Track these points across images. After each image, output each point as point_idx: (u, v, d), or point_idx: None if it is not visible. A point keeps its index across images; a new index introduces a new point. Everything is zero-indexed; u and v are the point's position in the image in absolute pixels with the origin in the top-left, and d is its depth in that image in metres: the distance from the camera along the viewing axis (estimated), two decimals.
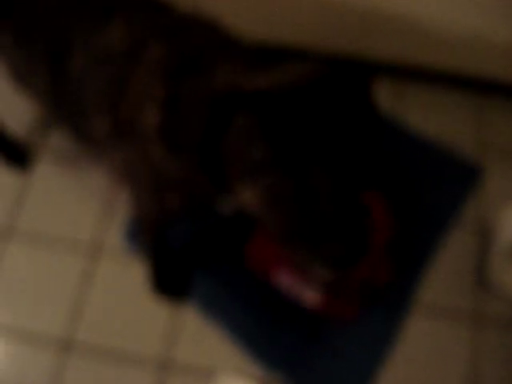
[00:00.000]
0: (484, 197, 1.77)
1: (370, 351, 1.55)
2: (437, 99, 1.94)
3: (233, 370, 1.53)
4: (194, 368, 1.54)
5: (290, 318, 1.57)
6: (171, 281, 1.60)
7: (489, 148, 1.86)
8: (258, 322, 1.56)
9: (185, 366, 1.55)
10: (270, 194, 0.85)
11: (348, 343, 1.55)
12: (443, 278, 1.66)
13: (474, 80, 1.89)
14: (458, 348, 1.59)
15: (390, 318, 1.58)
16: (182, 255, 1.66)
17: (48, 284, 1.66)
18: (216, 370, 1.52)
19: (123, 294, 1.64)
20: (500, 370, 1.57)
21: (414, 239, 1.68)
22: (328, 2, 1.70)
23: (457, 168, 1.79)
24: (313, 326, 1.56)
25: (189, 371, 1.54)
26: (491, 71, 1.84)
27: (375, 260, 1.48)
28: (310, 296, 1.52)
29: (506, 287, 1.60)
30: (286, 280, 1.54)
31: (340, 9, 1.71)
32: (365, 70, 0.99)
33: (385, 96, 1.94)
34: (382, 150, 1.79)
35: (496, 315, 1.62)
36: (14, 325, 1.61)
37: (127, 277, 1.66)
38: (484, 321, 1.62)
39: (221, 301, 1.59)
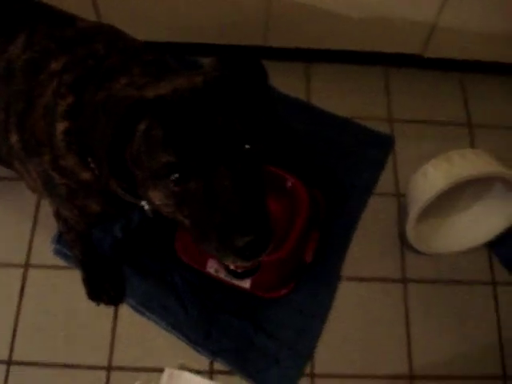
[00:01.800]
0: (397, 163, 1.87)
1: (304, 324, 1.61)
2: (344, 77, 2.01)
3: (179, 364, 1.55)
4: (141, 368, 1.56)
5: (226, 303, 1.61)
6: (105, 284, 1.61)
7: (398, 117, 1.95)
8: (196, 311, 1.60)
9: (132, 369, 1.56)
10: (177, 195, 0.89)
11: (283, 319, 1.60)
12: (369, 243, 1.75)
13: (379, 55, 1.97)
14: (391, 306, 1.68)
15: (320, 290, 1.65)
16: (113, 256, 1.67)
17: None
18: (163, 367, 1.54)
19: (60, 305, 1.63)
20: (429, 322, 1.67)
21: (339, 211, 1.76)
22: None
23: (370, 139, 1.89)
24: (247, 307, 1.61)
25: (137, 373, 1.56)
26: (395, 45, 1.92)
27: (301, 237, 1.54)
28: (241, 281, 1.56)
29: (421, 243, 1.69)
30: (216, 267, 1.58)
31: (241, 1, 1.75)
32: (256, 55, 1.03)
33: (295, 79, 1.99)
34: (297, 131, 1.85)
35: (421, 272, 1.73)
36: None
37: (61, 287, 1.65)
38: (411, 277, 1.71)
39: (157, 297, 1.61)
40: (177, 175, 0.87)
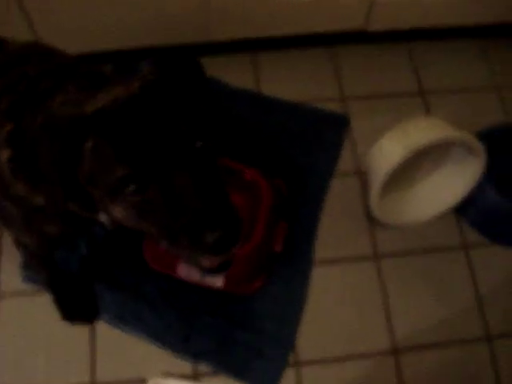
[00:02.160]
0: (355, 141, 1.87)
1: (282, 314, 1.61)
2: (293, 62, 2.00)
3: (163, 372, 1.55)
4: (125, 381, 1.55)
5: (201, 305, 1.61)
6: (78, 303, 1.59)
7: (350, 96, 1.95)
8: (171, 317, 1.59)
9: (116, 383, 1.55)
10: (137, 206, 0.87)
11: (260, 312, 1.60)
12: (337, 224, 1.75)
13: (324, 36, 1.96)
14: (367, 284, 1.69)
15: (294, 278, 1.65)
16: (82, 274, 1.65)
17: None
18: (147, 377, 1.53)
19: (36, 329, 1.61)
20: (406, 294, 1.68)
21: (302, 197, 1.75)
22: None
23: (324, 121, 1.88)
24: (223, 305, 1.61)
25: None
26: (337, 24, 1.91)
27: (267, 227, 1.53)
28: (213, 280, 1.56)
29: (387, 218, 1.70)
30: (187, 271, 1.56)
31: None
32: (191, 53, 1.02)
33: (243, 71, 1.98)
34: (250, 123, 1.85)
35: (392, 246, 1.74)
36: None
37: (35, 312, 1.63)
38: (382, 253, 1.72)
39: (131, 309, 1.60)
40: (133, 187, 0.85)
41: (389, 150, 1.55)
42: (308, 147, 1.82)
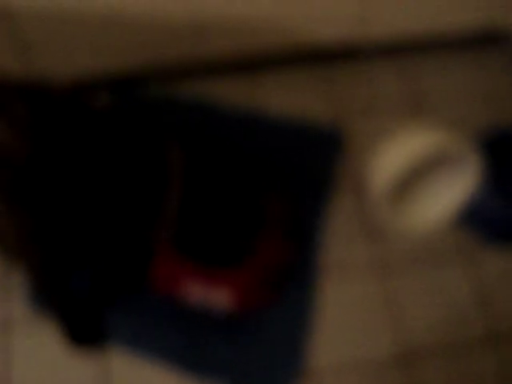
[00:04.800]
0: (353, 155, 1.89)
1: (293, 329, 1.63)
2: (291, 81, 2.01)
3: None
4: None
5: (209, 326, 1.62)
6: (87, 329, 1.59)
7: (346, 110, 1.96)
8: (181, 339, 1.61)
9: None
10: None
11: (269, 328, 1.62)
12: (339, 240, 1.76)
13: (317, 53, 1.99)
14: (374, 297, 1.71)
15: (303, 295, 1.67)
16: (89, 300, 1.64)
17: None
18: None
19: (45, 361, 1.61)
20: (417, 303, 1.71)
21: (303, 214, 1.76)
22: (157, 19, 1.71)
23: (321, 139, 1.88)
24: (232, 328, 1.62)
25: None
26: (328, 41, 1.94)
27: (275, 245, 1.55)
28: (223, 299, 1.56)
29: (394, 227, 1.72)
30: (196, 291, 1.56)
31: (166, 21, 1.72)
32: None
33: (241, 93, 1.97)
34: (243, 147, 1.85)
35: (396, 255, 1.76)
36: None
37: (44, 344, 1.63)
38: (389, 264, 1.74)
39: (141, 333, 1.61)
40: None
41: (390, 161, 1.58)
42: (304, 167, 1.82)
